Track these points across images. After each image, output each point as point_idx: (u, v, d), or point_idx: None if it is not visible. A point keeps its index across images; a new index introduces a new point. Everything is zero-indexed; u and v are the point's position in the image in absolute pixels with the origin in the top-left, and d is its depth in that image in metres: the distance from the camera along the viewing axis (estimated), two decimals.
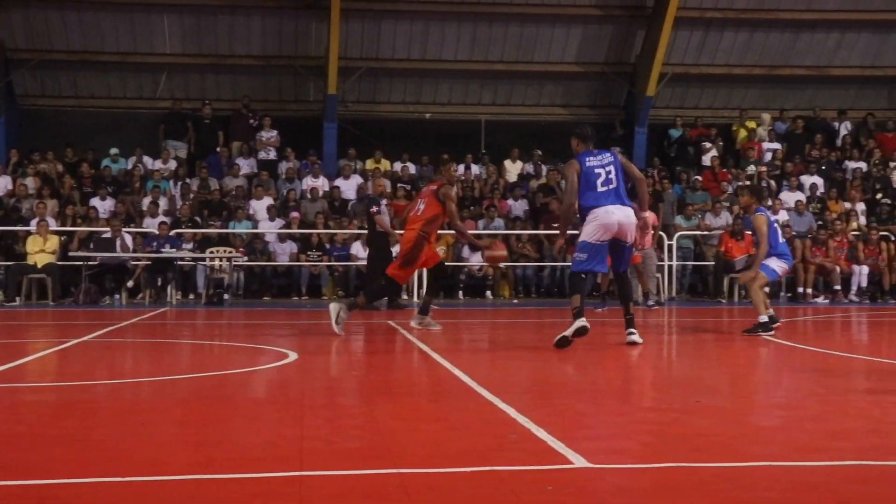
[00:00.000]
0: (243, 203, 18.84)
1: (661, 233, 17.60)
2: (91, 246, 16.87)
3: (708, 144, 21.48)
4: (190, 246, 17.26)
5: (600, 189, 8.66)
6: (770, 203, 17.86)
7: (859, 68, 22.78)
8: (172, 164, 20.06)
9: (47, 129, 21.21)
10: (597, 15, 21.57)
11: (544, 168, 20.87)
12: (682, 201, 19.72)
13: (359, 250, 17.80)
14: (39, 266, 16.50)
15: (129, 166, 20.02)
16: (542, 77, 22.46)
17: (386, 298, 13.63)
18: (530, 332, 11.08)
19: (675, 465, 4.00)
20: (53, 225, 17.43)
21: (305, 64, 21.60)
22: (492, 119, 22.76)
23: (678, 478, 3.83)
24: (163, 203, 18.65)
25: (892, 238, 18.59)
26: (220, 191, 19.50)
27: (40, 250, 16.59)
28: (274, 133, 20.69)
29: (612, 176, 8.72)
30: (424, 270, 13.41)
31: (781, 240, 10.55)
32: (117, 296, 16.57)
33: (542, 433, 4.55)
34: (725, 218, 18.86)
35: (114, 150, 20.28)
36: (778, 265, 10.37)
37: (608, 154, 8.95)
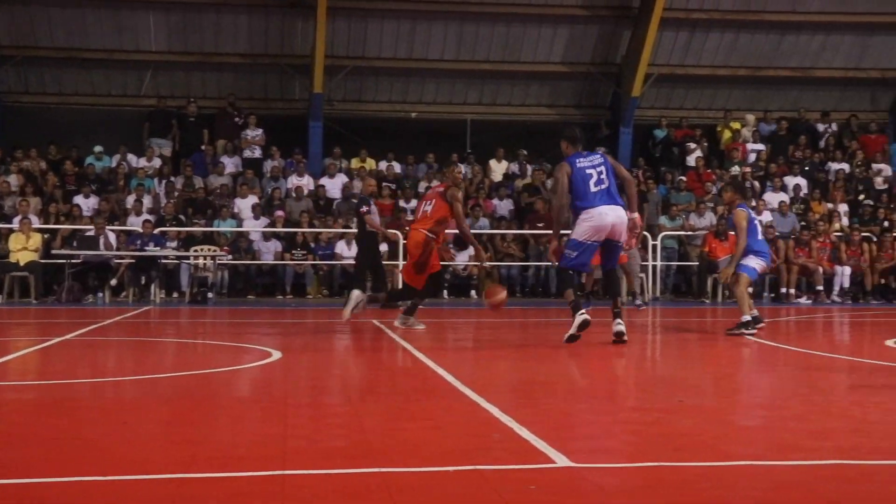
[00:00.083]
0: (228, 201, 18.79)
1: (645, 233, 17.64)
2: (74, 244, 16.80)
3: (692, 145, 21.56)
4: (174, 244, 17.21)
5: (593, 189, 8.78)
6: (754, 204, 17.94)
7: (843, 70, 22.90)
8: (157, 162, 19.98)
9: (31, 127, 21.08)
10: (583, 15, 21.60)
11: (529, 168, 20.90)
12: (667, 202, 19.79)
13: (343, 249, 17.79)
14: (22, 264, 16.41)
15: (114, 164, 19.94)
16: (528, 77, 22.49)
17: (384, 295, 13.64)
18: (515, 332, 11.10)
19: (657, 464, 4.02)
20: (36, 222, 17.33)
21: (291, 62, 21.55)
22: (477, 119, 22.77)
23: (661, 477, 3.84)
24: (147, 201, 18.58)
25: (874, 239, 18.71)
26: (205, 189, 19.44)
27: (23, 248, 16.51)
28: (259, 131, 20.64)
29: (604, 176, 8.85)
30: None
31: (760, 237, 10.64)
32: (100, 294, 16.50)
33: (525, 433, 4.56)
34: (709, 218, 18.93)
35: (98, 148, 20.19)
36: (757, 263, 10.47)
37: (597, 156, 9.14)
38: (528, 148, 21.38)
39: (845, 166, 21.44)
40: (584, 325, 8.59)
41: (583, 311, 8.63)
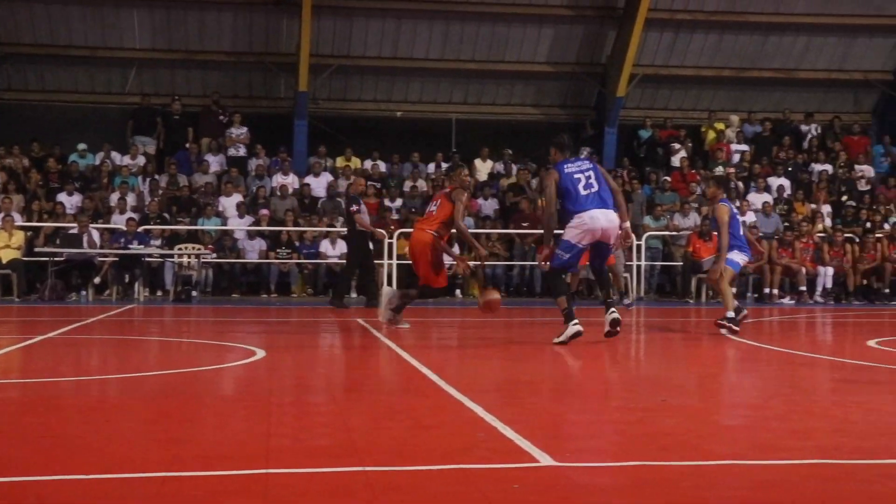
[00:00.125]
0: (212, 200, 18.74)
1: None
2: (57, 242, 16.71)
3: (677, 145, 21.63)
4: (158, 242, 17.15)
5: (583, 193, 8.85)
6: (738, 204, 18.01)
7: (826, 72, 23.03)
8: (141, 160, 19.91)
9: (13, 124, 20.99)
10: (568, 15, 21.65)
11: (514, 167, 20.93)
12: (651, 202, 19.85)
13: (328, 248, 17.78)
14: (4, 262, 16.32)
15: (97, 162, 19.85)
16: (514, 77, 22.52)
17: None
18: (499, 331, 11.11)
19: (641, 463, 4.03)
20: (19, 220, 17.24)
21: (276, 61, 21.52)
22: (462, 118, 22.79)
23: (644, 476, 3.86)
24: (131, 199, 18.51)
25: (857, 240, 18.81)
26: (189, 187, 19.37)
27: (5, 246, 16.42)
28: (244, 130, 20.59)
29: (592, 180, 8.93)
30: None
31: (741, 232, 10.72)
32: (84, 292, 16.43)
33: (509, 432, 4.57)
34: (694, 219, 19.00)
35: (81, 146, 20.10)
36: (739, 257, 10.56)
37: (586, 161, 9.29)
38: (513, 147, 21.42)
39: (828, 167, 21.56)
40: (575, 336, 8.66)
41: (576, 321, 8.65)
